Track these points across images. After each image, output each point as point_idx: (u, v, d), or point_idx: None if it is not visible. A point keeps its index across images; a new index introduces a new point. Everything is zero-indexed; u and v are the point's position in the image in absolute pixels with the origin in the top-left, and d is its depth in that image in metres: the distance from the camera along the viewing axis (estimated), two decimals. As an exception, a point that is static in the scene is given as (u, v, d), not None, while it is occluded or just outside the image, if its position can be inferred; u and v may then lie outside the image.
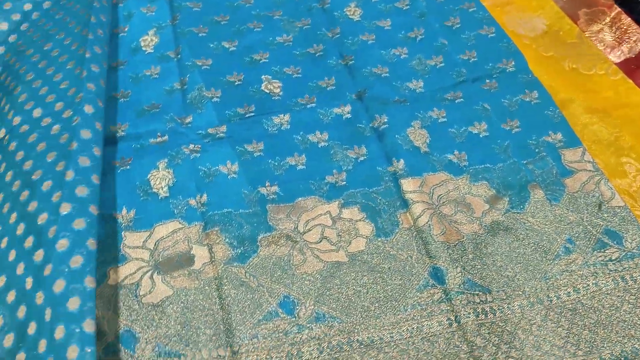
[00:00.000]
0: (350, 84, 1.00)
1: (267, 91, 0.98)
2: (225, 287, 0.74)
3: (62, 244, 0.66)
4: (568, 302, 0.75)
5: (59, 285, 0.62)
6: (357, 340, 0.71)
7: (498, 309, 0.74)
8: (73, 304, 0.61)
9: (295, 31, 1.09)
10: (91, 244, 0.67)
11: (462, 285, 0.75)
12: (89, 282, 0.64)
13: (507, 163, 0.89)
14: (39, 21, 0.98)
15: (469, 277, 0.76)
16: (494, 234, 0.81)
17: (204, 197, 0.83)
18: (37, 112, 0.83)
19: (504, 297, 0.75)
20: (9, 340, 0.62)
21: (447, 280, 0.75)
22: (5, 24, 0.96)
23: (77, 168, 0.74)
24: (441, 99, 0.98)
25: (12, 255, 0.68)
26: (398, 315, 0.73)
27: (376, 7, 1.15)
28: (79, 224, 0.68)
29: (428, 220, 0.81)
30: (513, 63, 1.04)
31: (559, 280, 0.77)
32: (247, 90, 0.99)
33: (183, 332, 0.70)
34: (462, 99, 0.98)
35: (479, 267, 0.77)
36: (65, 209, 0.68)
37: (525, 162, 0.89)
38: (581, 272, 0.77)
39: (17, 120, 0.82)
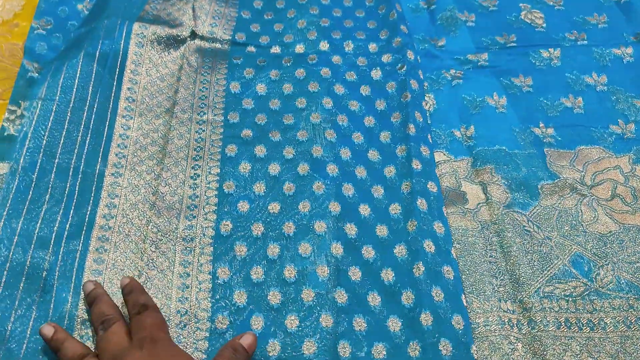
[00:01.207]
0: (625, 24, 0.85)
1: (528, 21, 0.85)
2: (507, 235, 0.64)
3: (422, 203, 0.63)
4: None
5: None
6: (673, 320, 0.59)
7: None
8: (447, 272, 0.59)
9: (552, -42, 0.94)
10: (444, 211, 0.65)
11: None
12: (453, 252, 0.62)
13: None
14: None
15: None
16: None
17: (471, 129, 0.72)
18: (324, 45, 0.78)
19: None
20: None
21: None
22: None
23: (416, 124, 0.69)
24: None
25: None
26: None
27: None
28: (432, 187, 0.65)
29: None
30: None
31: None
32: (504, 17, 0.86)
33: (463, 277, 0.61)
34: None
35: None
36: (417, 165, 0.65)
37: None
38: None
39: (300, 48, 0.78)
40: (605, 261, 0.62)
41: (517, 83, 0.77)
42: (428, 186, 0.64)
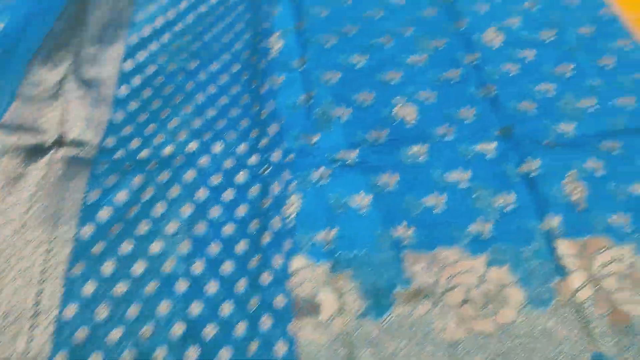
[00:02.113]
0: (493, 117, 0.89)
1: (401, 116, 0.88)
2: (356, 347, 0.64)
3: (266, 321, 0.65)
4: None
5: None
6: None
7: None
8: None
9: (430, 51, 0.99)
10: (291, 327, 0.66)
11: (635, 383, 0.63)
12: None
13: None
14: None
15: (643, 373, 0.64)
16: (669, 322, 0.68)
17: (334, 231, 0.74)
18: (192, 146, 0.80)
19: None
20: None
21: (616, 374, 0.63)
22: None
23: (273, 232, 0.72)
24: (597, 149, 0.86)
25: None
26: (559, 409, 0.62)
27: (519, 34, 1.03)
28: (280, 301, 0.67)
29: (591, 295, 0.69)
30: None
31: None
32: (379, 112, 0.89)
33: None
34: (620, 150, 0.85)
35: (652, 361, 0.65)
36: (266, 279, 0.68)
37: None
38: None
39: (169, 150, 0.79)
40: (453, 371, 0.63)
41: (384, 181, 0.80)
42: (275, 301, 0.64)
